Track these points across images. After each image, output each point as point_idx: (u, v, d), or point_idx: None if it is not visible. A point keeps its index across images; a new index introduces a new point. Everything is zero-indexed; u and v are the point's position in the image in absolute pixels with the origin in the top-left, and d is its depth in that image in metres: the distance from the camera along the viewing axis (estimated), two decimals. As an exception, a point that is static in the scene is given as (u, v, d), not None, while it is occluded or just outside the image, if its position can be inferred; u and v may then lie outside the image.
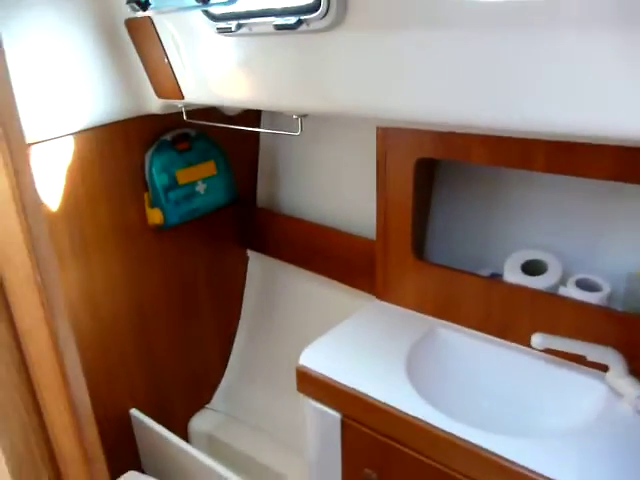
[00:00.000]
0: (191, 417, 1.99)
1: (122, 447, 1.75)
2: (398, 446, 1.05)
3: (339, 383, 1.13)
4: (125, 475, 1.59)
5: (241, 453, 1.86)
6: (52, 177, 1.37)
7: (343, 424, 1.15)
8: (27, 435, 0.46)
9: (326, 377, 1.15)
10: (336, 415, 1.15)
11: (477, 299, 1.24)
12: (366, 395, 1.09)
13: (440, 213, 1.38)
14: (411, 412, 1.03)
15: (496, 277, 1.27)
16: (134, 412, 1.72)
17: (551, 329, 1.09)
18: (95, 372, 1.61)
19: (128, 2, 1.11)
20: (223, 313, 2.00)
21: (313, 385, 1.18)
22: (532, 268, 1.21)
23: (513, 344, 1.20)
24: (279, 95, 1.18)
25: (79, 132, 1.40)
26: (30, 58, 1.25)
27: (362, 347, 1.25)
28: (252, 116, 1.80)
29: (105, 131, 1.46)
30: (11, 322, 0.44)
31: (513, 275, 1.22)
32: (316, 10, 0.92)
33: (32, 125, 1.28)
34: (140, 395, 1.76)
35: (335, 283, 1.73)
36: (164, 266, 1.73)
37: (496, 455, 0.91)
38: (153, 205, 1.62)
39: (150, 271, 1.69)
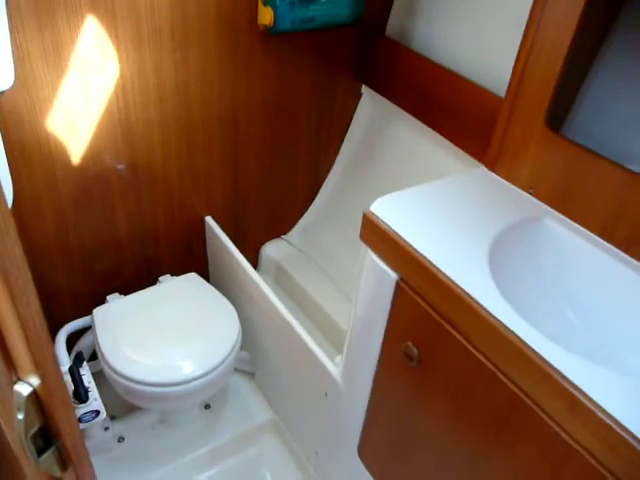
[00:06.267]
0: (266, 242, 1.97)
1: (192, 251, 1.77)
2: (451, 330, 0.90)
3: (405, 242, 0.97)
4: (186, 275, 1.62)
5: (300, 287, 1.85)
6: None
7: (397, 287, 1.01)
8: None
9: (393, 231, 0.99)
10: (393, 275, 1.01)
11: (610, 196, 0.96)
12: (432, 264, 0.92)
13: (604, 77, 1.04)
14: (478, 297, 0.85)
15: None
16: (209, 219, 1.71)
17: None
18: (179, 169, 1.58)
19: None
20: (321, 146, 1.85)
21: (377, 236, 1.03)
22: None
23: (636, 262, 0.94)
24: None
25: None
26: None
27: (447, 213, 1.06)
28: None
29: None
30: None
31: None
32: None
33: None
34: (219, 205, 1.73)
35: (447, 143, 1.49)
36: (265, 76, 1.58)
37: (559, 373, 0.73)
38: (266, 3, 1.43)
39: (249, 78, 1.55)
